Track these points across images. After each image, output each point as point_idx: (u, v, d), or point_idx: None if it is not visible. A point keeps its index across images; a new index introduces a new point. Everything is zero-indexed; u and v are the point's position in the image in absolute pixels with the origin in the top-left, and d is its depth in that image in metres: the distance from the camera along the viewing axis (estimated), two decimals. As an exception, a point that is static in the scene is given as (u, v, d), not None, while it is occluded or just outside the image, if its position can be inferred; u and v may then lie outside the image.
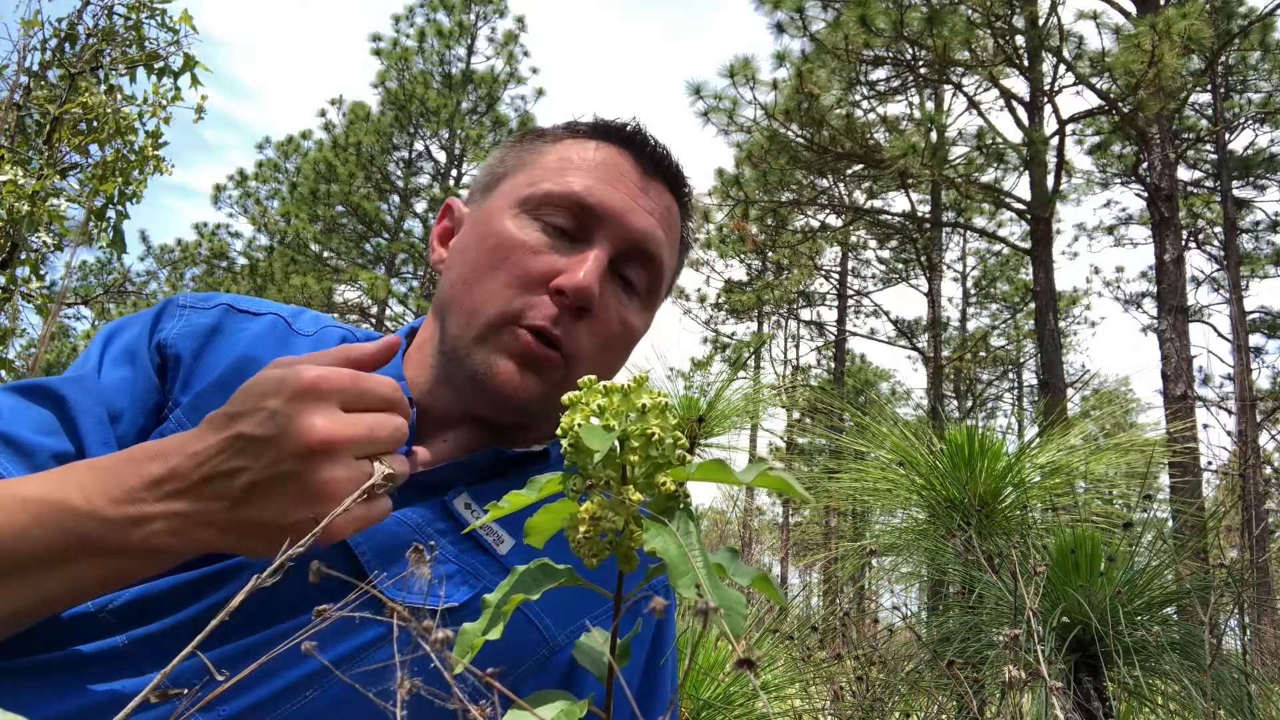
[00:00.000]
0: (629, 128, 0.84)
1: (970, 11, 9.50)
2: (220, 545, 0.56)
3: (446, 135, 17.28)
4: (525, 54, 17.39)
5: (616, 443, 0.44)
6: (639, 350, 0.86)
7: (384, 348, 0.64)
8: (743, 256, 17.51)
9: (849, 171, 12.90)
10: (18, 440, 0.66)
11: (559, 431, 0.44)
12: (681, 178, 0.86)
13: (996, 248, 18.54)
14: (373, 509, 0.58)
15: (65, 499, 0.54)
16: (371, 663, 0.65)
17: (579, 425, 0.43)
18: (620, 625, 0.45)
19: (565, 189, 0.78)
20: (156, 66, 4.38)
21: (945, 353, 16.12)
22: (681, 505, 0.43)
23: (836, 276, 18.37)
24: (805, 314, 19.17)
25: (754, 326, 18.72)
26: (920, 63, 10.21)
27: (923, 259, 15.80)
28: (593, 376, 0.46)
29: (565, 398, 0.45)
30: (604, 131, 0.83)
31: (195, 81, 4.41)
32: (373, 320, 16.67)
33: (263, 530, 0.55)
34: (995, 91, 10.61)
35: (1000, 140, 10.19)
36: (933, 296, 15.58)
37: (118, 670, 0.61)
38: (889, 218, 14.52)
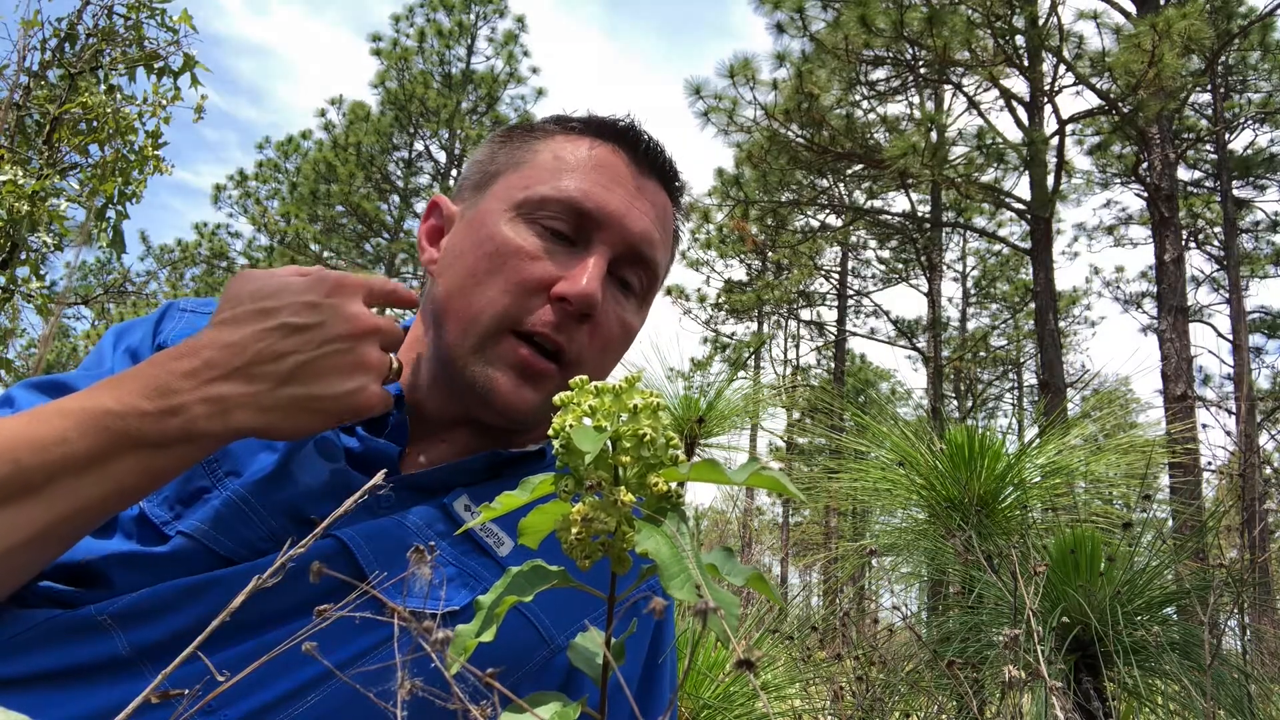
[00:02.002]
0: (621, 124, 0.83)
1: (970, 11, 9.50)
2: (259, 425, 0.61)
3: (446, 135, 17.27)
4: (525, 54, 17.40)
5: (608, 443, 0.43)
6: (637, 349, 0.86)
7: (401, 295, 0.73)
8: (743, 256, 17.51)
9: (849, 171, 12.90)
10: None
11: (551, 432, 0.44)
12: (674, 173, 0.85)
13: (996, 248, 18.54)
14: (387, 395, 0.67)
15: (99, 404, 0.58)
16: (374, 664, 0.65)
17: (571, 426, 0.43)
18: (616, 626, 0.45)
19: (563, 194, 0.77)
20: (156, 66, 4.37)
21: (945, 353, 16.12)
22: (674, 506, 0.43)
23: (836, 276, 18.37)
24: (805, 314, 19.16)
25: (754, 326, 18.71)
26: (920, 63, 10.20)
27: (923, 259, 15.80)
28: (584, 377, 0.46)
29: (557, 398, 0.45)
30: (597, 128, 0.82)
31: (195, 81, 4.41)
32: (373, 320, 16.64)
33: (310, 403, 0.62)
34: (995, 91, 10.61)
35: (1000, 140, 10.19)
36: (933, 296, 15.58)
37: (119, 677, 0.61)
38: (889, 218, 14.52)
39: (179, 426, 0.58)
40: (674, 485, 0.43)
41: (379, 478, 0.55)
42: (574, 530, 0.42)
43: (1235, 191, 13.97)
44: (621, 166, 0.80)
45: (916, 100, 12.82)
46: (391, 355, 0.67)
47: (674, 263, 0.92)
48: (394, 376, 0.68)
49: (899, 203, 17.45)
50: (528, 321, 0.74)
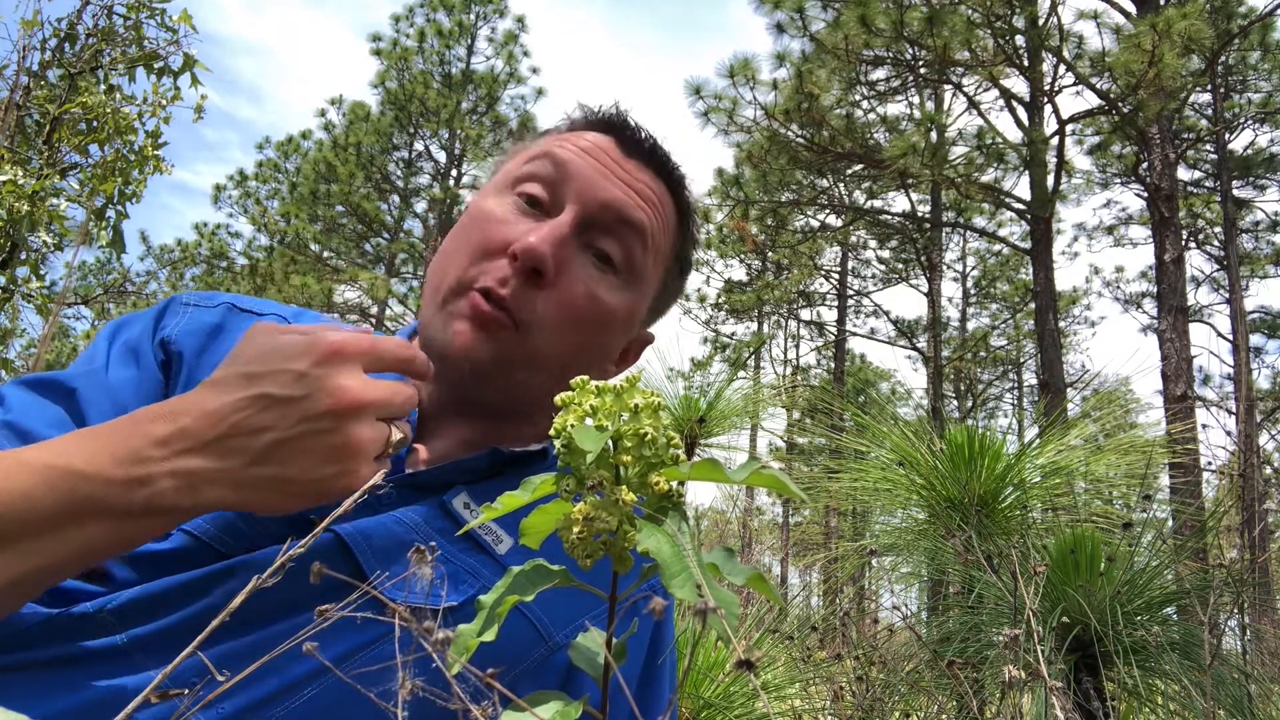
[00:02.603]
0: (611, 113, 0.85)
1: (970, 11, 9.50)
2: (230, 503, 0.57)
3: (446, 135, 17.28)
4: (525, 54, 17.40)
5: (610, 443, 0.43)
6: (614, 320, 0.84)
7: (418, 362, 0.67)
8: (743, 256, 17.51)
9: (849, 171, 12.90)
10: (31, 434, 0.67)
11: (552, 432, 0.44)
12: (668, 161, 0.85)
13: (996, 248, 18.54)
14: (379, 468, 0.61)
15: (68, 463, 0.54)
16: (370, 661, 0.65)
17: (572, 426, 0.43)
18: (617, 626, 0.45)
19: (541, 150, 0.80)
20: (156, 66, 4.37)
21: (945, 353, 16.12)
22: (675, 505, 0.43)
23: (836, 276, 18.37)
24: (805, 314, 19.17)
25: (754, 326, 18.72)
26: (920, 63, 10.20)
27: (923, 259, 15.80)
28: (584, 377, 0.45)
29: (558, 398, 0.45)
30: (593, 120, 0.85)
31: (195, 81, 4.41)
32: (373, 320, 16.67)
33: (284, 486, 0.57)
34: (995, 91, 10.61)
35: (1000, 140, 10.19)
36: (933, 296, 15.58)
37: (118, 668, 0.61)
38: (889, 218, 14.52)
39: (145, 499, 0.55)
40: (675, 484, 0.43)
41: (378, 476, 0.56)
42: (575, 529, 0.42)
43: (1235, 191, 13.97)
44: (607, 145, 0.81)
45: (916, 100, 12.83)
46: (394, 426, 0.62)
47: (686, 255, 0.90)
48: (395, 449, 0.62)
49: (899, 203, 17.46)
50: (480, 280, 0.75)
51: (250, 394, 0.57)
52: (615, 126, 0.83)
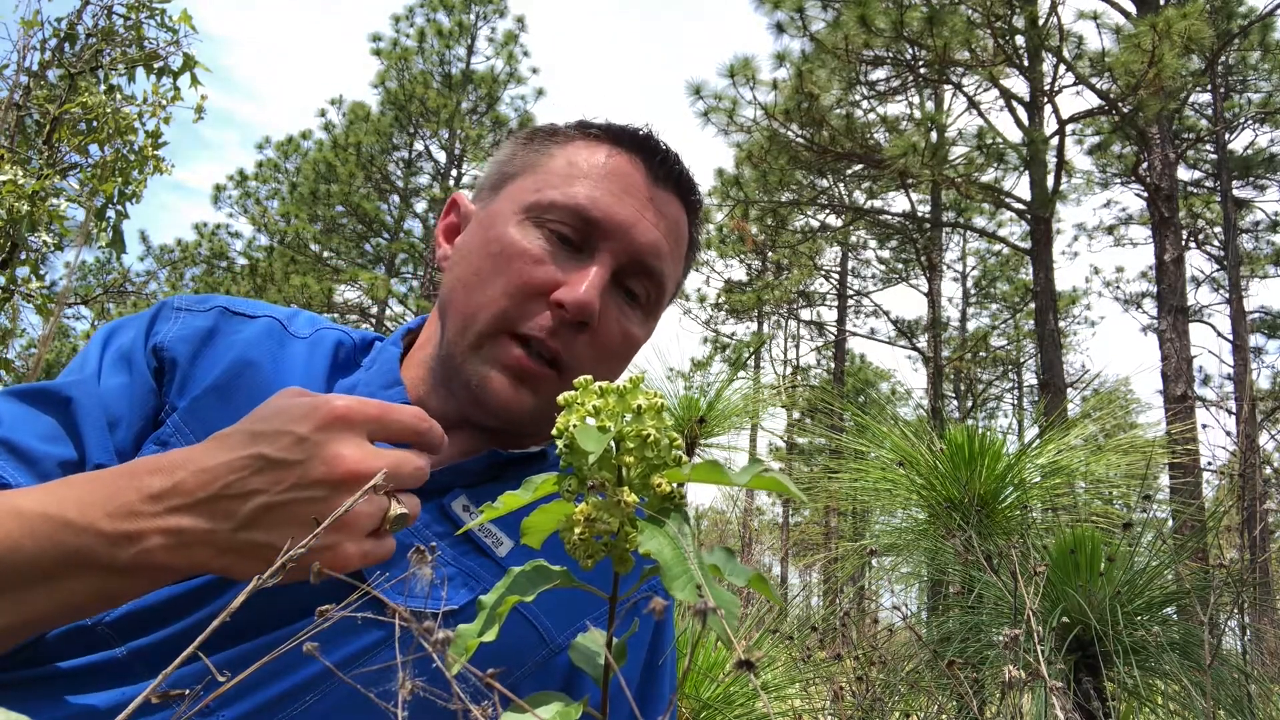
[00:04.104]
0: (641, 133, 0.82)
1: (970, 11, 9.50)
2: (215, 566, 0.55)
3: (446, 135, 17.27)
4: (525, 54, 17.39)
5: (612, 444, 0.43)
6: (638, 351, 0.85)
7: (429, 434, 0.61)
8: (743, 256, 17.51)
9: (849, 171, 12.90)
10: (22, 448, 0.66)
11: (554, 432, 0.44)
12: (692, 185, 0.84)
13: (996, 248, 18.54)
14: (381, 546, 0.57)
15: (60, 513, 0.53)
16: (371, 666, 0.65)
17: (574, 426, 0.43)
18: (617, 627, 0.45)
19: (571, 200, 0.77)
20: (156, 66, 4.37)
21: (945, 353, 16.12)
22: (677, 506, 0.43)
23: (836, 276, 18.37)
24: (805, 314, 19.16)
25: (754, 326, 18.71)
26: (920, 63, 10.20)
27: (923, 259, 15.80)
28: (588, 377, 0.46)
29: (561, 398, 0.45)
30: (615, 136, 0.81)
31: (195, 81, 4.41)
32: (373, 320, 16.67)
33: (269, 554, 0.53)
34: (995, 91, 10.60)
35: (1000, 140, 10.19)
36: (933, 296, 15.58)
37: (117, 679, 0.61)
38: (889, 218, 14.52)
39: (134, 556, 0.53)
40: (677, 486, 0.43)
41: (379, 478, 0.55)
42: (577, 530, 0.42)
43: (1235, 191, 13.96)
44: (636, 176, 0.79)
45: (916, 100, 12.83)
46: (395, 501, 0.57)
47: (688, 274, 0.91)
48: (394, 526, 0.57)
49: (899, 203, 17.46)
50: (525, 325, 0.74)
51: (248, 454, 0.54)
52: (646, 149, 0.81)
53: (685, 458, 0.44)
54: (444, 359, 0.78)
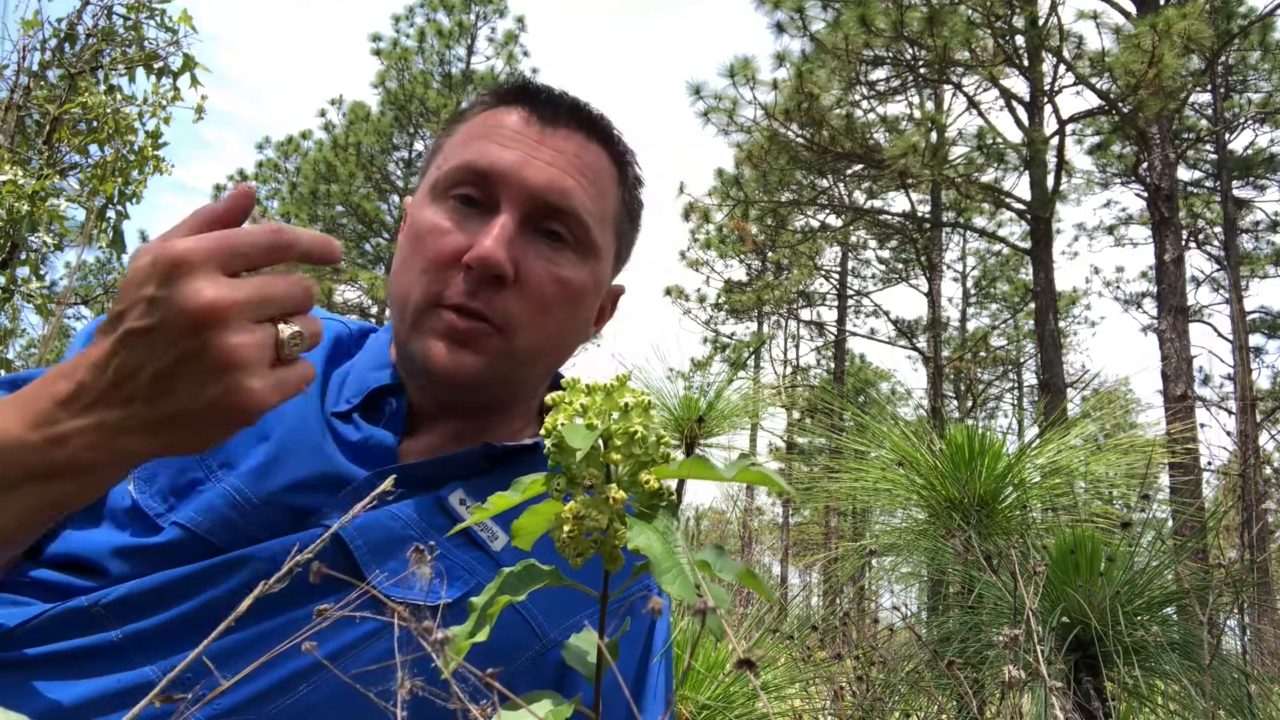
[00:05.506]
0: (520, 83, 0.84)
1: (970, 11, 9.50)
2: (150, 449, 0.54)
3: (446, 135, 17.27)
4: (525, 54, 17.40)
5: (600, 441, 0.43)
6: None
7: (235, 198, 0.57)
8: (743, 256, 17.51)
9: (849, 171, 12.90)
10: None
11: (543, 431, 0.44)
12: (590, 117, 0.83)
13: (996, 248, 18.54)
14: (292, 371, 0.54)
15: None
16: (365, 656, 0.65)
17: (562, 425, 0.43)
18: (613, 625, 0.45)
19: (458, 161, 0.78)
20: (156, 67, 4.38)
21: (945, 353, 16.12)
22: (666, 503, 0.43)
23: (836, 276, 18.37)
24: (805, 314, 19.17)
25: (754, 326, 18.72)
26: (920, 63, 10.20)
27: (923, 259, 15.80)
28: (576, 376, 0.46)
29: (549, 398, 0.45)
30: (501, 95, 0.83)
31: (195, 82, 4.41)
32: (373, 320, 16.68)
33: (183, 420, 0.52)
34: (995, 91, 10.61)
35: (1000, 140, 10.19)
36: (933, 296, 15.58)
37: (113, 664, 0.61)
38: (889, 218, 14.53)
39: (66, 458, 0.53)
40: (666, 482, 0.43)
41: (388, 484, 0.54)
42: (566, 528, 0.43)
43: (1235, 191, 13.97)
44: (519, 122, 0.80)
45: (916, 100, 12.82)
46: (282, 326, 0.54)
47: (635, 208, 0.88)
48: (293, 349, 0.54)
49: (899, 203, 17.47)
50: (447, 295, 0.75)
51: (118, 334, 0.52)
52: (528, 97, 0.82)
53: (674, 454, 0.44)
54: (399, 350, 0.80)
